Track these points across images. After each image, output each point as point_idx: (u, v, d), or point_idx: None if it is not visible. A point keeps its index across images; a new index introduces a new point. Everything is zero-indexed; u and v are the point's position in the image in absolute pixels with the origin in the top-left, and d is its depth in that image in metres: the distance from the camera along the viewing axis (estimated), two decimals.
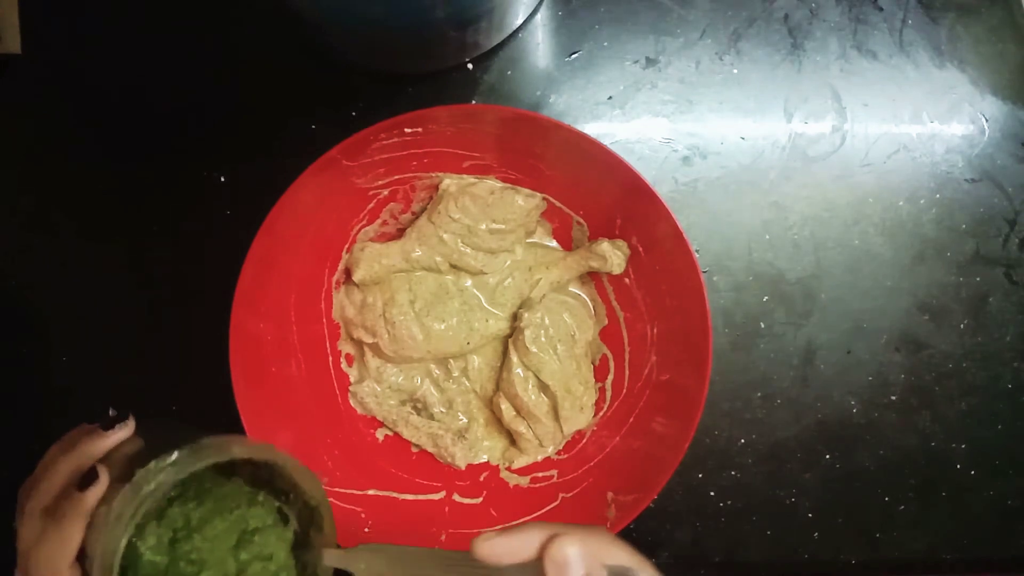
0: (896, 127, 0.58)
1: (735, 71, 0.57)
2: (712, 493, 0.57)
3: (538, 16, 0.56)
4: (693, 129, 0.57)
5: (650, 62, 0.57)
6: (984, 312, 0.58)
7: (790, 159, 0.57)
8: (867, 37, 0.58)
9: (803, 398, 0.57)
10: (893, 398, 0.58)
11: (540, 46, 0.57)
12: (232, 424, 0.47)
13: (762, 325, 0.57)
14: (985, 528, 0.58)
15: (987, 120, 0.58)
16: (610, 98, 0.57)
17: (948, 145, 0.58)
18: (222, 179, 0.56)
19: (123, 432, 0.37)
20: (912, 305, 0.58)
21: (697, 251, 0.56)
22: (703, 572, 0.57)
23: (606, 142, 0.52)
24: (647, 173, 0.51)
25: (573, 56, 0.57)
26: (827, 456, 0.57)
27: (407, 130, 0.48)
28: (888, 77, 0.58)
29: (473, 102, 0.56)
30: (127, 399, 0.56)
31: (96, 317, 0.56)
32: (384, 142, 0.49)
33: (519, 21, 0.54)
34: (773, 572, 0.58)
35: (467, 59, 0.56)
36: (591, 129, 0.57)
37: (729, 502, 0.57)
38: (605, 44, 0.57)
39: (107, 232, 0.56)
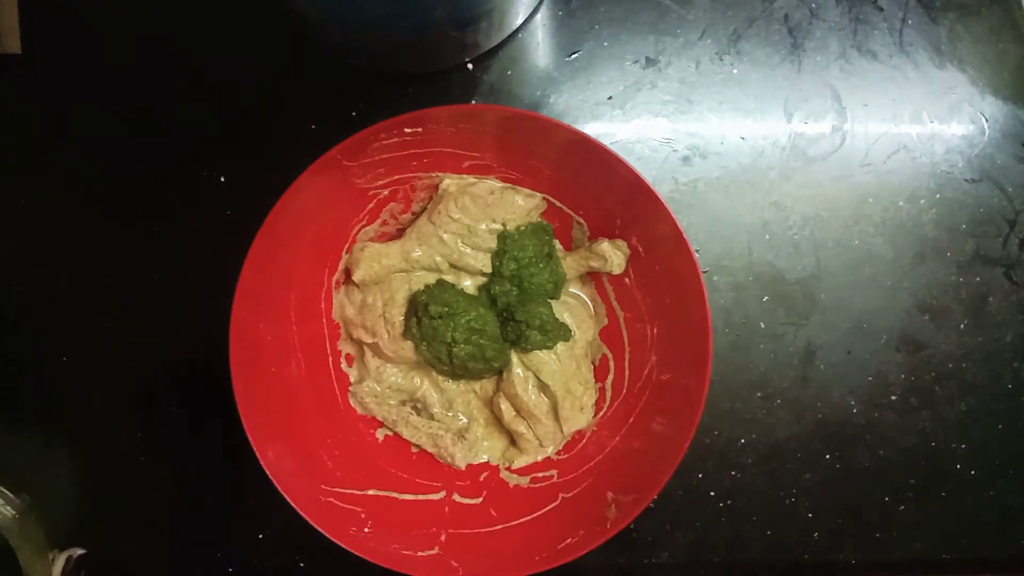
0: (896, 127, 0.58)
1: (735, 71, 0.57)
2: (712, 493, 0.57)
3: (538, 16, 0.56)
4: (693, 129, 0.57)
5: (650, 62, 0.57)
6: (984, 312, 0.58)
7: (790, 159, 0.57)
8: (867, 37, 0.58)
9: (803, 398, 0.57)
10: (893, 398, 0.58)
11: (540, 46, 0.57)
12: (232, 424, 0.47)
13: (762, 325, 0.57)
14: (985, 528, 0.58)
15: (987, 120, 0.58)
16: (610, 98, 0.57)
17: (948, 145, 0.58)
18: (222, 179, 0.56)
19: None
20: (912, 305, 0.58)
21: (697, 251, 0.56)
22: (703, 572, 0.57)
23: (606, 142, 0.52)
24: (647, 173, 0.51)
25: (573, 56, 0.57)
26: (827, 456, 0.57)
27: (407, 130, 0.48)
28: (888, 77, 0.58)
29: (473, 102, 0.56)
30: (127, 400, 0.56)
31: (96, 317, 0.56)
32: (384, 142, 0.49)
33: (519, 21, 0.54)
34: (773, 572, 0.58)
35: (467, 59, 0.56)
36: (591, 129, 0.57)
37: (729, 502, 0.57)
38: (605, 44, 0.57)
39: (107, 232, 0.56)
